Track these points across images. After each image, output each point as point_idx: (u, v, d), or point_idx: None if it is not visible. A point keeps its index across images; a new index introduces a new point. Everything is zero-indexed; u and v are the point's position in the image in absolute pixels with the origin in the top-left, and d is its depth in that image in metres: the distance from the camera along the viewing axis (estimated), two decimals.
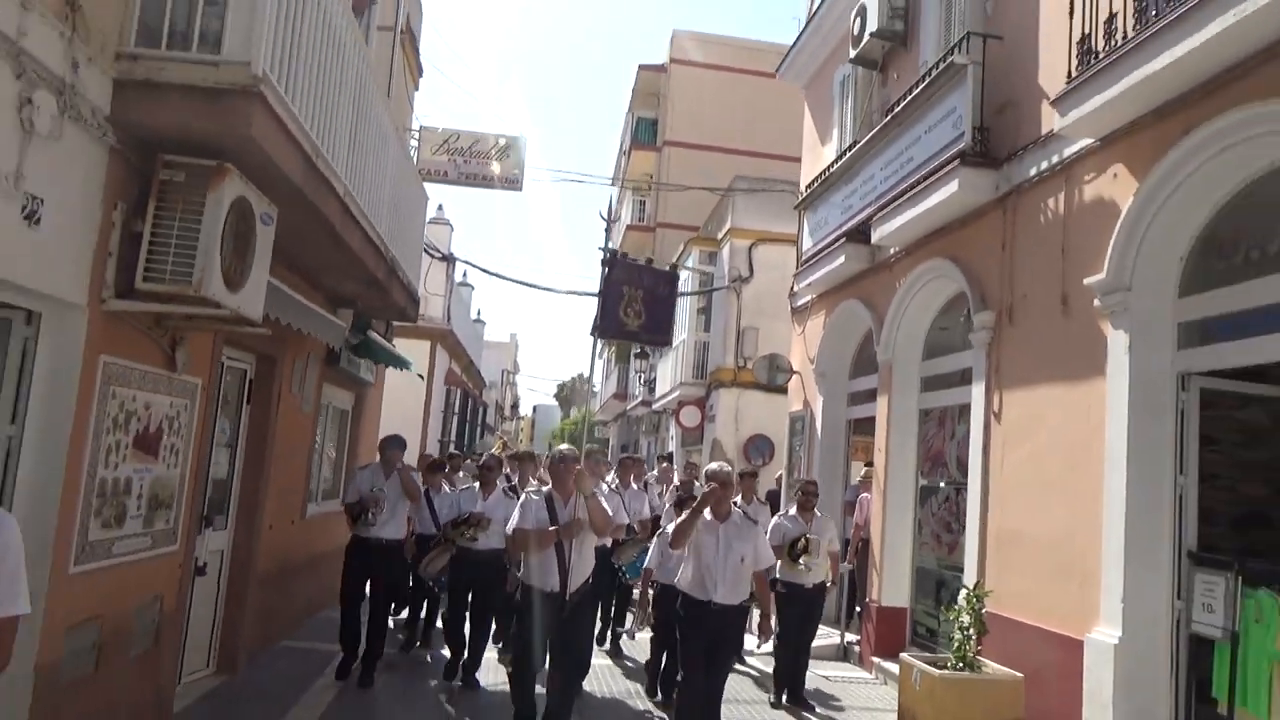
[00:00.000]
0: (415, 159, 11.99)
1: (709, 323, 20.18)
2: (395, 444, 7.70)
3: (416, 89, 12.28)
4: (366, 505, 7.20)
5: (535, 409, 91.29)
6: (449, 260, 18.07)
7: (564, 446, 5.97)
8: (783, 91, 17.17)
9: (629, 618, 8.70)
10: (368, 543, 7.25)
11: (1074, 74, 5.87)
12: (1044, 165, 6.62)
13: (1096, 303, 5.84)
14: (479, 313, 30.80)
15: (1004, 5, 7.57)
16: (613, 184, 43.85)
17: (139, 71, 4.32)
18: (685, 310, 20.93)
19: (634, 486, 9.30)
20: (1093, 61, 5.68)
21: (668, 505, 8.85)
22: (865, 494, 9.57)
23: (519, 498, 6.41)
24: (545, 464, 8.88)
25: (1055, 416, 6.30)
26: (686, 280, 21.14)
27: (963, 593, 6.39)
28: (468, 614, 7.45)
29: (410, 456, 9.73)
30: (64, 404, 4.25)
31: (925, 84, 7.90)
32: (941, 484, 8.46)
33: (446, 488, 8.52)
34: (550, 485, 5.83)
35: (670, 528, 5.95)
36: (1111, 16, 5.59)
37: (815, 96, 12.63)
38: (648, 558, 6.96)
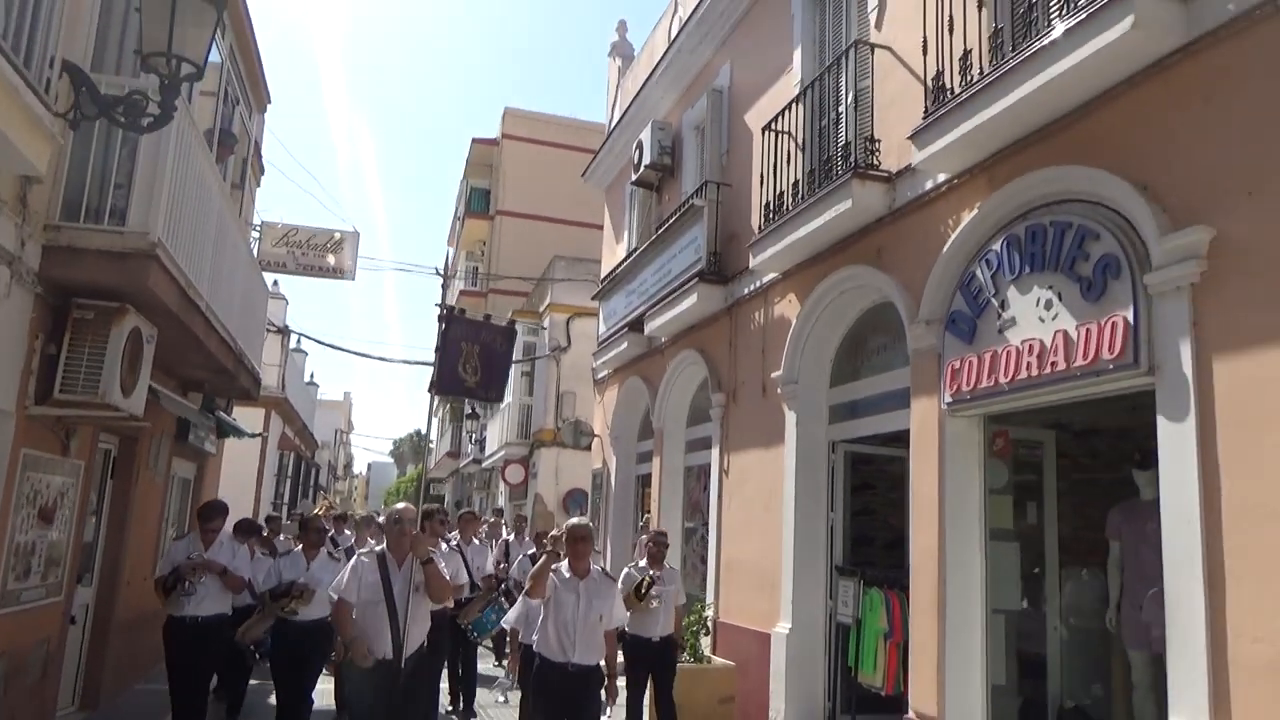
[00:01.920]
0: (256, 251, 13.41)
1: (532, 387, 22.11)
2: (217, 510, 7.08)
3: (259, 185, 13.74)
4: (183, 575, 6.55)
5: (370, 466, 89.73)
6: (284, 332, 19.26)
7: (400, 505, 5.56)
8: None
9: (502, 675, 9.05)
10: (183, 623, 6.60)
11: (761, 227, 8.26)
12: (751, 288, 9.00)
13: (779, 390, 8.18)
14: (312, 375, 31.48)
15: (734, 158, 10.02)
16: (448, 244, 45.36)
17: (63, 239, 5.89)
18: (512, 376, 22.80)
19: (475, 542, 9.38)
20: (773, 219, 8.08)
21: (517, 559, 9.80)
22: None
23: (345, 561, 6.30)
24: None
25: (757, 471, 8.58)
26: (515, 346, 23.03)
27: (695, 605, 8.52)
28: (289, 688, 6.92)
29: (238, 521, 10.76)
30: None
31: (678, 216, 10.25)
32: (698, 527, 10.66)
33: (259, 552, 8.26)
34: (384, 545, 5.46)
35: (528, 584, 5.57)
36: (781, 193, 8.02)
37: (612, 200, 14.97)
38: (511, 615, 6.52)
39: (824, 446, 7.92)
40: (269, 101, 10.89)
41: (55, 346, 6.08)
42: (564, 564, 5.51)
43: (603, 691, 5.58)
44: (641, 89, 12.61)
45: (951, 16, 5.80)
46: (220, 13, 5.31)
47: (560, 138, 34.81)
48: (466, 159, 38.08)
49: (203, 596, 6.62)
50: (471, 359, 6.24)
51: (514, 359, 22.61)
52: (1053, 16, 4.96)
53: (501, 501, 23.98)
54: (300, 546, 7.32)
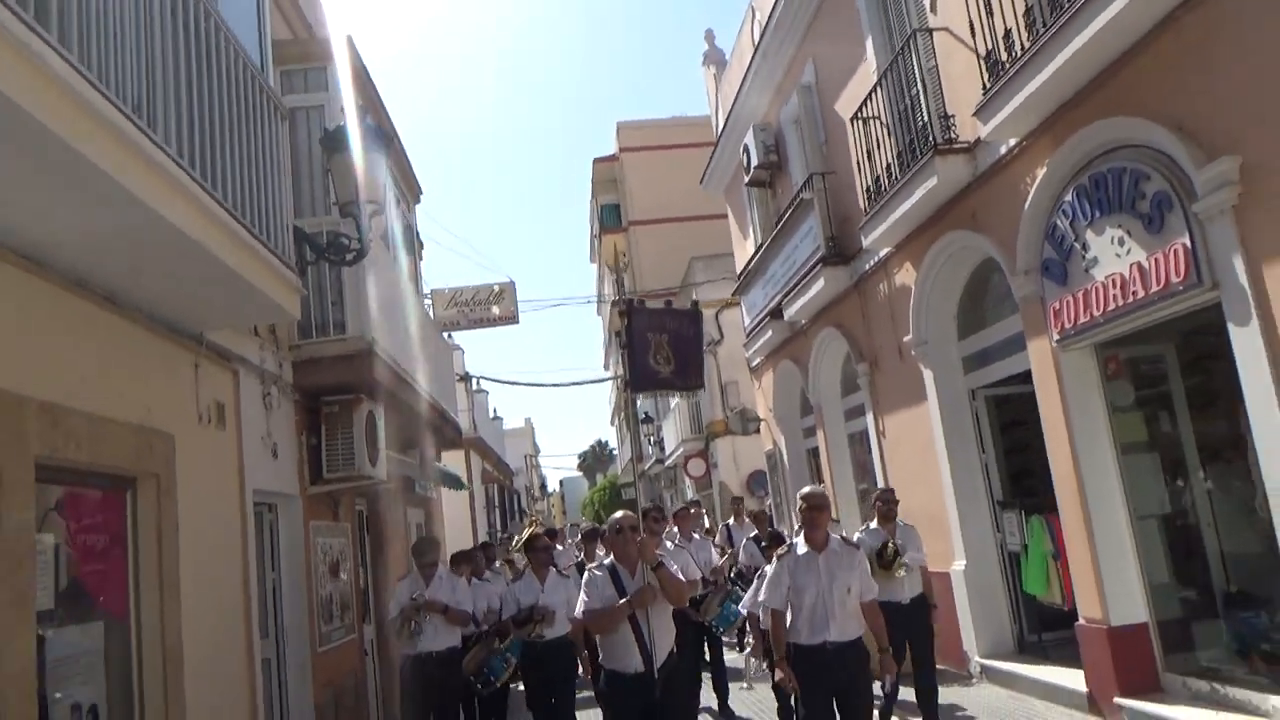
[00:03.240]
0: (431, 315, 15.22)
1: None
2: (429, 546, 7.37)
3: (421, 259, 15.54)
4: (407, 616, 6.72)
5: (562, 483, 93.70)
6: (465, 379, 21.29)
7: (620, 514, 5.19)
8: None
9: (749, 665, 8.14)
10: (419, 660, 6.77)
11: (865, 209, 9.03)
12: (871, 263, 9.76)
13: (913, 351, 8.92)
14: (495, 410, 33.97)
15: (833, 146, 10.77)
16: (591, 261, 47.27)
17: (304, 353, 7.47)
18: None
19: (696, 537, 9.19)
20: (874, 201, 8.84)
21: (741, 544, 9.02)
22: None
23: (575, 578, 6.49)
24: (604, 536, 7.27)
25: (909, 428, 9.34)
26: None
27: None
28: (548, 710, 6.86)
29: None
30: (298, 553, 7.31)
31: (792, 209, 11.10)
32: (870, 487, 11.44)
33: (476, 580, 8.17)
34: (612, 557, 5.11)
35: (768, 569, 5.44)
36: (878, 177, 8.77)
37: (733, 200, 15.90)
38: (746, 600, 6.43)
39: (964, 395, 8.61)
40: (421, 191, 12.51)
41: (315, 438, 7.70)
42: (799, 540, 5.22)
43: (876, 665, 5.25)
44: (738, 96, 13.49)
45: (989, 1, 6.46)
46: (387, 157, 6.72)
47: (674, 139, 35.70)
48: (591, 180, 39.73)
49: (432, 634, 6.74)
50: (662, 348, 5.94)
51: (700, 344, 24.09)
52: None
53: (690, 494, 25.29)
54: (529, 568, 7.10)
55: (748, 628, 6.62)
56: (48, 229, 3.73)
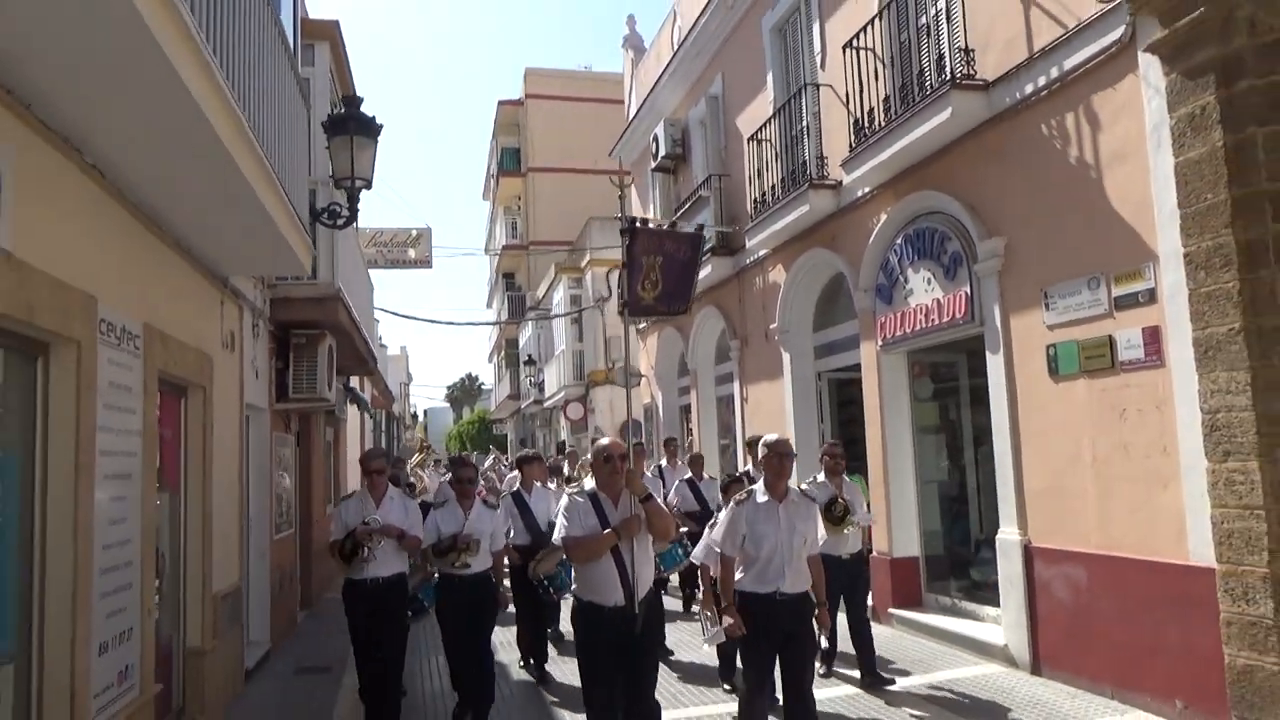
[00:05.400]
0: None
1: (582, 334, 25.13)
2: (378, 454, 6.85)
3: None
4: (360, 541, 5.93)
5: (426, 412, 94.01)
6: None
7: (606, 441, 5.00)
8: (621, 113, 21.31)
9: (706, 621, 6.04)
10: (364, 585, 6.08)
11: (752, 215, 11.02)
12: (750, 260, 11.80)
13: (776, 337, 11.04)
14: (381, 338, 34.86)
15: (730, 152, 12.69)
16: (483, 198, 47.91)
17: (279, 292, 8.88)
18: (562, 325, 25.88)
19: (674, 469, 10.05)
20: (763, 208, 10.82)
21: (674, 486, 9.41)
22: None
23: (499, 510, 6.51)
24: (588, 460, 6.80)
25: (767, 397, 11.51)
26: (560, 303, 26.11)
27: None
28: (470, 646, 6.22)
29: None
30: (263, 457, 8.81)
31: (691, 202, 13.00)
32: (730, 444, 13.65)
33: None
34: (592, 483, 4.85)
35: (721, 515, 5.30)
36: (764, 194, 10.76)
37: (638, 176, 17.66)
38: (699, 551, 5.91)
39: (812, 376, 10.83)
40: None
41: (281, 363, 9.15)
42: (758, 486, 5.04)
43: (814, 621, 5.14)
44: (654, 88, 15.21)
45: (861, 80, 8.46)
46: (377, 141, 8.18)
47: (581, 90, 36.70)
48: (494, 121, 40.33)
49: (381, 559, 6.04)
50: (652, 272, 5.55)
51: (564, 314, 25.99)
52: (924, 88, 7.65)
53: (564, 435, 27.25)
54: (456, 496, 6.51)
55: (699, 581, 5.58)
56: (167, 190, 5.00)
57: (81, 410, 4.16)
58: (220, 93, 4.11)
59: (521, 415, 38.42)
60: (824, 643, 6.74)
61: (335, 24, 9.66)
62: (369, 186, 8.14)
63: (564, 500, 4.89)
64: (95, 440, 4.30)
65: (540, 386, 30.11)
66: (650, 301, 5.71)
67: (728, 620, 4.97)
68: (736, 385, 12.61)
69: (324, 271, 9.01)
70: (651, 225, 5.89)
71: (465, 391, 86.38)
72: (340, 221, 8.16)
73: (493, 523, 6.38)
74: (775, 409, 11.24)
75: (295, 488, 11.36)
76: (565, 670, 7.59)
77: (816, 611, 5.14)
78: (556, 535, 4.83)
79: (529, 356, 30.85)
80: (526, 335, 32.64)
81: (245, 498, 7.70)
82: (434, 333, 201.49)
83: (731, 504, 5.14)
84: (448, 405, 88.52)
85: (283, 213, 5.82)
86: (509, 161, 39.42)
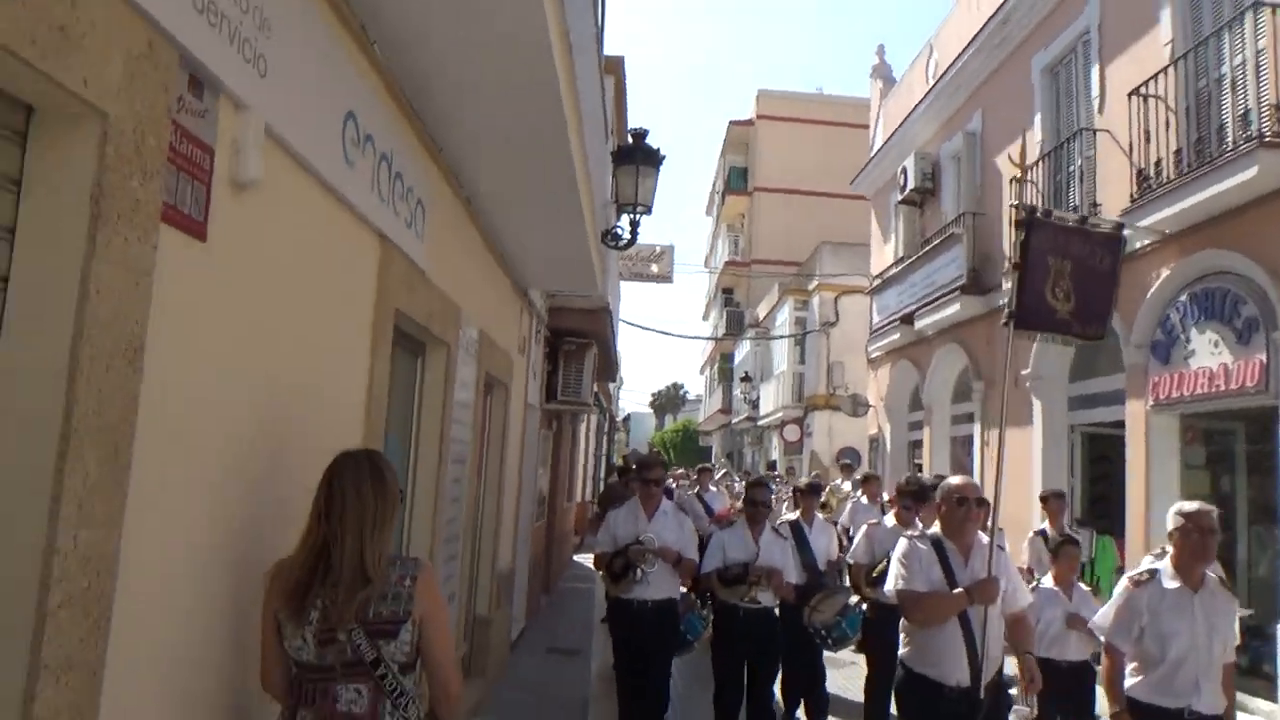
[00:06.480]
0: None
1: (803, 356, 25.23)
2: (655, 461, 6.12)
3: None
4: (633, 563, 5.40)
5: (629, 416, 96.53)
6: None
7: (960, 480, 4.13)
8: (858, 140, 21.38)
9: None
10: (631, 606, 5.57)
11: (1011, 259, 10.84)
12: (1002, 301, 11.55)
13: (1028, 384, 10.80)
14: None
15: (986, 189, 12.51)
16: (706, 214, 48.97)
17: (556, 302, 9.73)
18: (784, 347, 26.11)
19: (818, 517, 7.17)
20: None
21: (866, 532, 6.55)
22: None
23: (787, 538, 5.79)
24: (935, 500, 4.57)
25: (1011, 445, 11.22)
26: (783, 324, 26.35)
27: None
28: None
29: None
30: (534, 451, 9.65)
31: (941, 239, 12.92)
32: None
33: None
34: (937, 529, 4.09)
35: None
36: None
37: (879, 206, 17.65)
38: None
39: (1065, 428, 10.51)
40: None
41: (551, 367, 10.02)
42: (1163, 566, 4.00)
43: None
44: (904, 120, 15.20)
45: (1148, 130, 8.20)
46: (658, 170, 8.84)
47: (813, 114, 36.80)
48: (724, 139, 41.16)
49: (655, 581, 5.46)
50: (1062, 279, 4.42)
51: (787, 335, 26.20)
52: (1224, 142, 7.35)
53: (774, 455, 27.41)
54: (747, 520, 5.75)
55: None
56: (511, 214, 5.78)
57: (445, 402, 4.93)
58: (579, 131, 4.76)
59: (730, 430, 38.89)
60: None
61: (620, 60, 10.45)
62: (649, 212, 8.79)
63: (902, 544, 4.08)
64: (451, 429, 5.06)
65: (755, 404, 30.44)
66: (1064, 315, 4.52)
67: None
68: (977, 428, 12.39)
69: (596, 290, 9.78)
70: (1056, 218, 4.61)
71: (669, 400, 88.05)
72: (622, 244, 8.86)
73: (783, 555, 5.63)
74: (1020, 457, 10.98)
75: (548, 481, 12.33)
76: None
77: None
78: (890, 585, 4.03)
79: (745, 373, 31.27)
80: (743, 352, 33.08)
81: (520, 486, 8.54)
82: (642, 339, 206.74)
83: (1126, 583, 4.05)
84: (650, 411, 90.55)
85: (594, 237, 6.51)
86: (736, 180, 40.05)
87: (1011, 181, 10.97)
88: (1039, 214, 4.58)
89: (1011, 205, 5.17)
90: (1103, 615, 4.18)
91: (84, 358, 1.69)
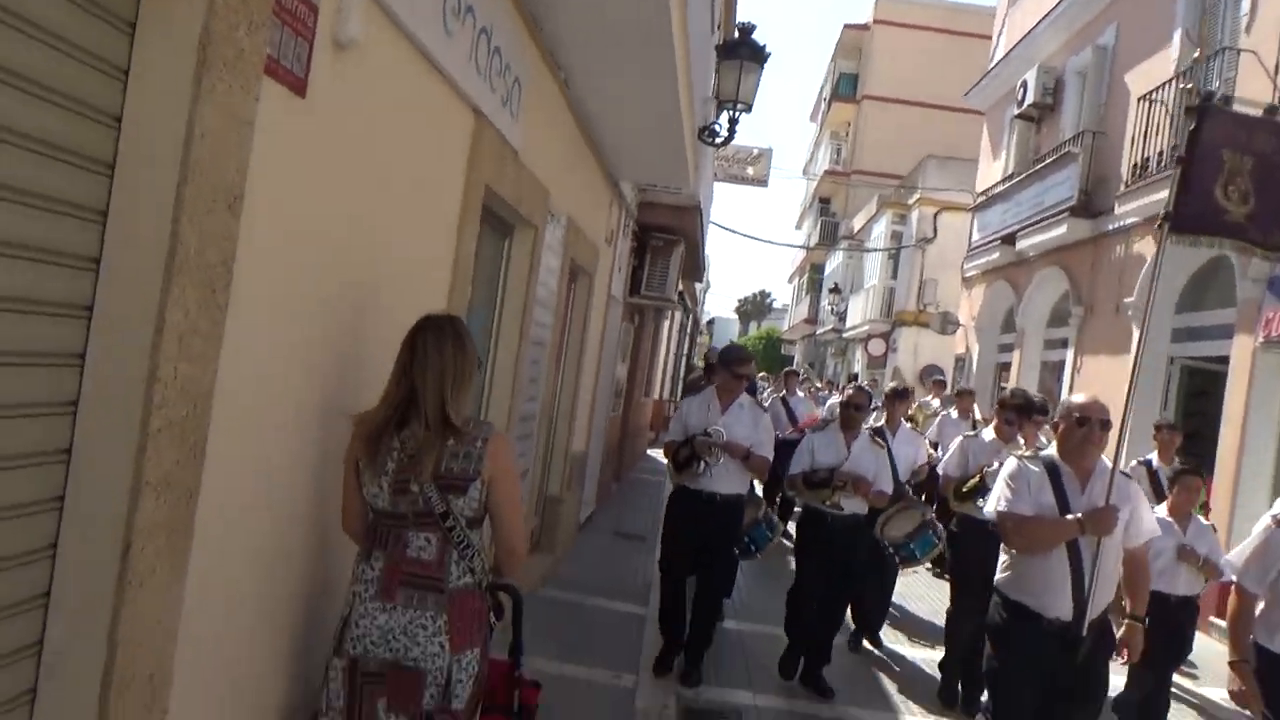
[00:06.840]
0: None
1: (896, 271, 24.62)
2: (745, 357, 5.67)
3: None
4: (699, 454, 5.16)
5: (713, 321, 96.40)
6: None
7: (1082, 397, 3.70)
8: (976, 51, 20.01)
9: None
10: (698, 496, 5.27)
11: (1128, 180, 10.27)
12: (1113, 226, 11.04)
13: (1129, 313, 10.36)
14: None
15: (1110, 111, 11.78)
16: (811, 120, 47.46)
17: (646, 197, 9.67)
18: (877, 260, 25.50)
19: (904, 424, 7.23)
20: (1144, 174, 10.07)
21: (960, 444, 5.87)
22: None
23: (882, 448, 5.57)
24: (1054, 418, 4.09)
25: (1103, 374, 10.90)
26: (879, 237, 25.66)
27: None
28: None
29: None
30: (614, 343, 9.75)
31: (1056, 156, 12.28)
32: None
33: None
34: (1052, 449, 3.68)
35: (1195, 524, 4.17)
36: (1147, 159, 9.97)
37: (992, 122, 16.82)
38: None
39: (1164, 360, 10.10)
40: None
41: (637, 261, 10.03)
42: None
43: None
44: (1030, 31, 14.29)
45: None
46: (762, 69, 8.57)
47: (934, 21, 34.75)
48: (836, 43, 39.45)
49: (723, 475, 5.22)
50: (1239, 177, 3.80)
51: (882, 248, 25.59)
52: None
53: (857, 368, 27.13)
54: (841, 426, 5.62)
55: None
56: (609, 105, 5.74)
57: (529, 285, 5.01)
58: (683, 16, 4.65)
59: (815, 340, 38.56)
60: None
61: None
62: (749, 110, 8.56)
63: (1010, 464, 3.69)
64: (534, 310, 5.16)
65: (842, 316, 30.01)
66: (1237, 219, 3.91)
67: (1235, 681, 3.61)
68: (1070, 353, 12.01)
69: (685, 187, 9.67)
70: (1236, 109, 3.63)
71: (755, 306, 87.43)
72: (719, 141, 8.69)
73: (875, 463, 5.45)
74: (1111, 385, 10.63)
75: (626, 374, 12.51)
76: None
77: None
78: (992, 506, 3.65)
79: (835, 285, 30.75)
80: (835, 263, 32.46)
81: (598, 376, 8.69)
82: (732, 243, 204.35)
83: (1268, 521, 3.70)
84: (735, 317, 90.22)
85: (690, 132, 6.41)
86: (845, 87, 38.53)
87: (1140, 101, 10.33)
88: (1216, 100, 3.99)
89: (1183, 89, 4.43)
90: (1237, 554, 3.87)
91: (188, 197, 1.77)
